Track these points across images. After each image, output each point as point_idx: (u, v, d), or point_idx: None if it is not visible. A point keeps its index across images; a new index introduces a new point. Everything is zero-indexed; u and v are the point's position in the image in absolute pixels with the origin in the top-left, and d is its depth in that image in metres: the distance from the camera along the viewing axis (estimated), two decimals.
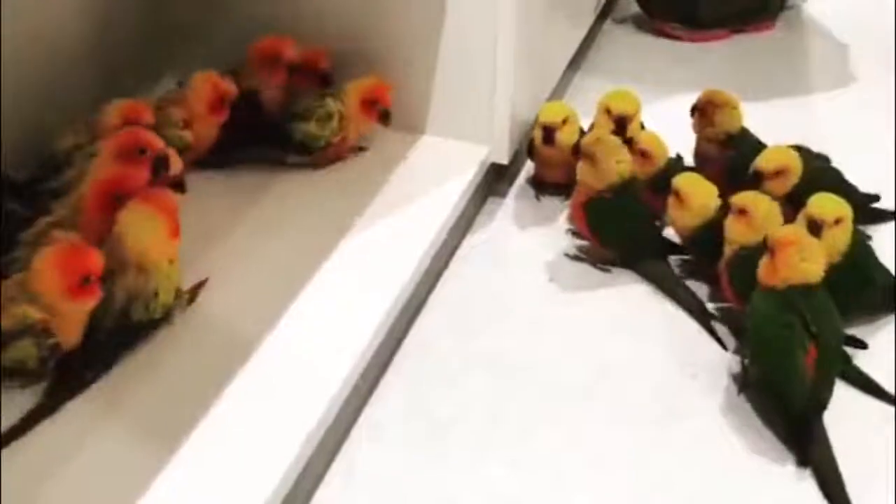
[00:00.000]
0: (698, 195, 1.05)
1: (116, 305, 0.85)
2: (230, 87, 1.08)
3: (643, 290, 1.10)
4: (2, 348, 0.79)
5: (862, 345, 0.99)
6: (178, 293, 0.90)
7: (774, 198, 1.02)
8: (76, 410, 0.81)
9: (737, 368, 0.97)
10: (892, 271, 1.06)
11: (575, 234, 1.16)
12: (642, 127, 1.19)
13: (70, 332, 0.82)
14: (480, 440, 0.91)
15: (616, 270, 1.12)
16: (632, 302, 1.08)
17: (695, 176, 1.07)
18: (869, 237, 1.12)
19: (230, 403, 0.82)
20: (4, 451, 0.76)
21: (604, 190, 1.06)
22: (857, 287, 1.01)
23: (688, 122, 1.19)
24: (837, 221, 0.99)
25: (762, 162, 1.08)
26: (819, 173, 1.14)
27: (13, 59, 0.98)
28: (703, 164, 1.19)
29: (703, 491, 0.86)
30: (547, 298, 1.09)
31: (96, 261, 0.82)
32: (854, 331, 1.00)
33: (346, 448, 0.89)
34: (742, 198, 1.01)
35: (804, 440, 0.89)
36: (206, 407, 0.81)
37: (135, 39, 1.20)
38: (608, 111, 1.16)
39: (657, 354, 1.01)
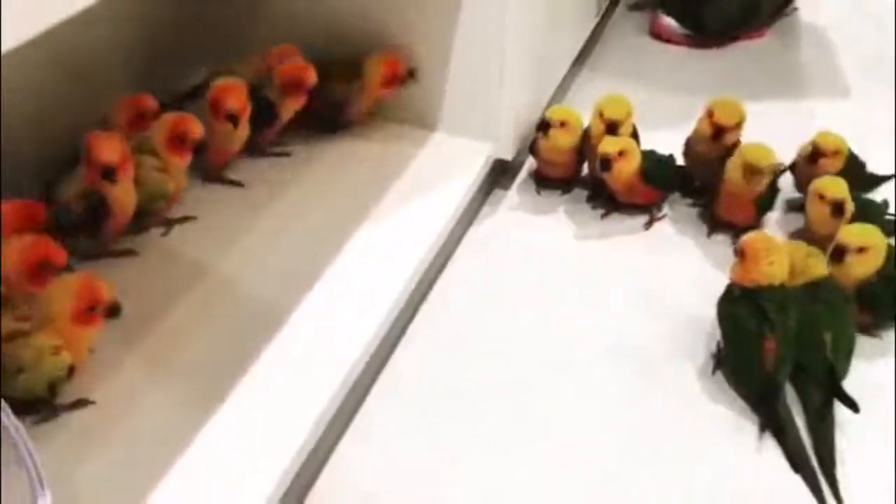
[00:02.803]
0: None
1: None
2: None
3: (639, 277, 1.17)
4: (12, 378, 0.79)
5: (854, 408, 0.96)
6: (52, 385, 0.83)
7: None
8: (129, 368, 0.91)
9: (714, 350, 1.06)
10: None
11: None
12: (634, 130, 1.26)
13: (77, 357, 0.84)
14: (479, 406, 1.00)
15: (614, 255, 1.21)
16: (626, 287, 1.16)
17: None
18: None
19: (263, 368, 0.91)
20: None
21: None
22: (888, 302, 1.07)
23: (681, 121, 1.27)
24: (861, 250, 1.05)
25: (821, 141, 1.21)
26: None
27: (42, 51, 1.03)
28: (695, 163, 1.29)
29: (686, 457, 0.95)
30: (546, 283, 1.17)
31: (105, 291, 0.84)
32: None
33: (364, 409, 0.99)
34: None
35: (764, 414, 0.98)
36: (242, 371, 0.90)
37: (168, 34, 1.27)
38: (601, 115, 1.22)
39: (648, 337, 1.09)
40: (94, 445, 0.83)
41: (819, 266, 1.06)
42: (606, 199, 1.28)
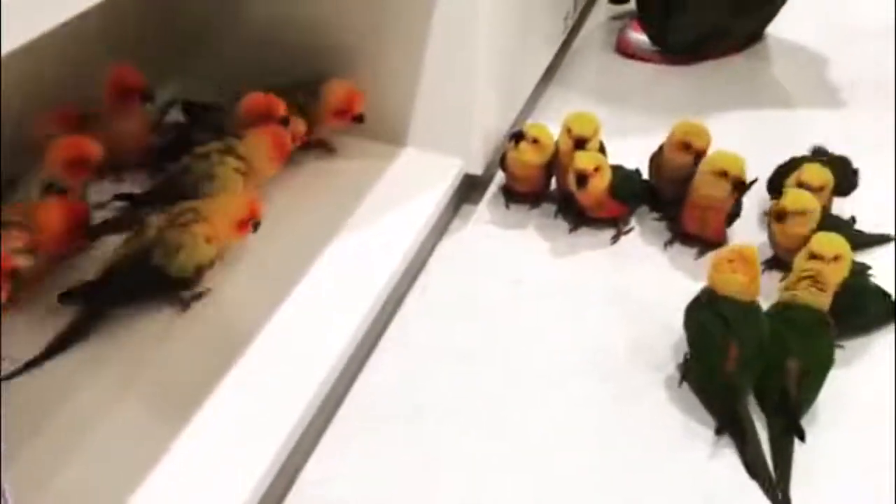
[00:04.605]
0: None
1: (145, 239, 0.99)
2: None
3: (606, 289, 1.19)
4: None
5: (801, 435, 0.98)
6: (199, 270, 1.00)
7: None
8: (97, 378, 0.91)
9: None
10: (893, 296, 1.14)
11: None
12: (602, 147, 1.28)
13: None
14: (452, 417, 1.01)
15: (582, 268, 1.22)
16: (594, 299, 1.18)
17: None
18: (868, 267, 1.18)
19: (235, 380, 0.92)
20: (31, 416, 0.86)
21: None
22: (852, 313, 1.09)
23: (645, 136, 1.30)
24: (836, 258, 1.07)
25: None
26: None
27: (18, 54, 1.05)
28: (662, 179, 1.30)
29: (656, 463, 0.97)
30: (513, 295, 1.18)
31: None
32: (851, 343, 1.10)
33: (335, 423, 0.99)
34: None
35: (723, 418, 1.00)
36: (215, 383, 0.91)
37: (142, 42, 1.26)
38: (569, 131, 1.23)
39: (615, 347, 1.10)
40: (65, 459, 0.83)
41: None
42: (575, 214, 1.29)
